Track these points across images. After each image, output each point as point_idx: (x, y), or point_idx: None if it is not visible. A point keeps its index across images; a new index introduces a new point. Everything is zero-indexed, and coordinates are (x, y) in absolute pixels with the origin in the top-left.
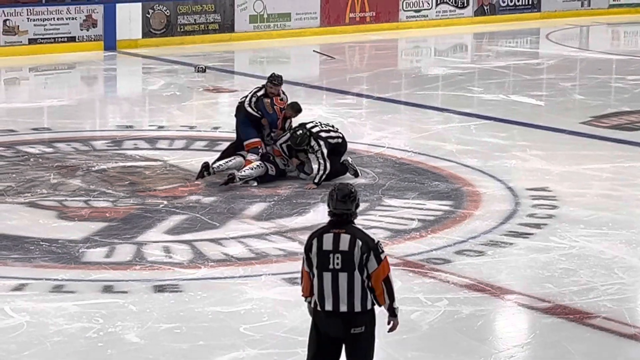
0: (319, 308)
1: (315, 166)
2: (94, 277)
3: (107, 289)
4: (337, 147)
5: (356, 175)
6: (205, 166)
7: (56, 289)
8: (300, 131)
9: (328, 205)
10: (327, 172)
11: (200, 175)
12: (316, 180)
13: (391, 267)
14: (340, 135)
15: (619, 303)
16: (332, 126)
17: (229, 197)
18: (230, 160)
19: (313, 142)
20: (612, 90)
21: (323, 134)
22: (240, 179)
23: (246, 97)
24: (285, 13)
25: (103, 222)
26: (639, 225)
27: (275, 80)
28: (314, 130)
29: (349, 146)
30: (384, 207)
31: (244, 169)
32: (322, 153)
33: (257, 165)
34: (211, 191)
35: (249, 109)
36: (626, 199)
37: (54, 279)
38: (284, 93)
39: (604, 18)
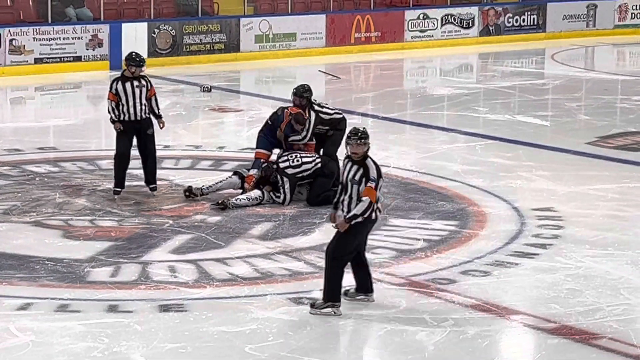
0: None
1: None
2: (99, 297)
3: (113, 309)
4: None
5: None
6: (188, 189)
7: (61, 309)
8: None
9: None
10: (285, 202)
11: (188, 196)
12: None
13: (397, 288)
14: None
15: (625, 324)
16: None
17: (234, 216)
18: (221, 181)
19: (278, 177)
20: (618, 111)
21: (289, 170)
22: (233, 206)
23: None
24: (291, 33)
25: (108, 241)
26: None
27: (296, 91)
28: (281, 165)
29: None
30: (390, 227)
31: (240, 197)
32: (284, 188)
33: (255, 197)
34: (217, 211)
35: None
36: (632, 219)
37: (59, 299)
38: (310, 110)
39: (609, 38)
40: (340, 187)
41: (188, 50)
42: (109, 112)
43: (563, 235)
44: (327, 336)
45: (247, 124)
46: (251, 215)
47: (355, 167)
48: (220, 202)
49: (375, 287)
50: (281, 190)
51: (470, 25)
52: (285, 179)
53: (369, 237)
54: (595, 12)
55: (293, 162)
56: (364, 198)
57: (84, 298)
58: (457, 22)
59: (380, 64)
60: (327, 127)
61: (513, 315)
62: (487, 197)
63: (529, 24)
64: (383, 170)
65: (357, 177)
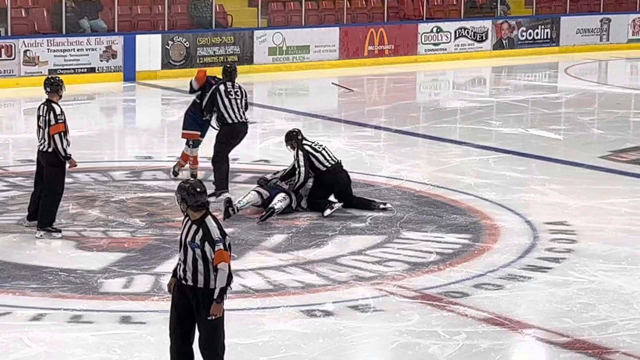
0: None
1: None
2: (112, 308)
3: (125, 320)
4: (329, 177)
5: (384, 209)
6: (228, 201)
7: (74, 319)
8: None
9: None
10: (300, 182)
11: (227, 215)
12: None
13: (410, 300)
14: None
15: (638, 338)
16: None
17: (247, 228)
18: (248, 194)
19: (299, 152)
20: (631, 125)
21: (307, 147)
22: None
23: None
24: (304, 45)
25: (121, 252)
26: None
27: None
28: (304, 142)
29: (368, 179)
30: (402, 239)
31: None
32: (300, 163)
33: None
34: (229, 222)
35: None
36: None
37: (72, 309)
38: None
39: (623, 52)
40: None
41: (202, 62)
42: (64, 147)
43: (576, 249)
44: (339, 348)
45: (260, 136)
46: (264, 227)
47: (193, 228)
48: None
49: (388, 300)
50: (298, 165)
51: (484, 38)
52: (301, 154)
53: (382, 249)
54: (609, 26)
55: (315, 147)
56: (219, 266)
57: (97, 309)
58: (470, 36)
59: (394, 76)
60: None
61: (526, 329)
62: (500, 210)
63: (542, 37)
64: (395, 183)
65: (196, 240)
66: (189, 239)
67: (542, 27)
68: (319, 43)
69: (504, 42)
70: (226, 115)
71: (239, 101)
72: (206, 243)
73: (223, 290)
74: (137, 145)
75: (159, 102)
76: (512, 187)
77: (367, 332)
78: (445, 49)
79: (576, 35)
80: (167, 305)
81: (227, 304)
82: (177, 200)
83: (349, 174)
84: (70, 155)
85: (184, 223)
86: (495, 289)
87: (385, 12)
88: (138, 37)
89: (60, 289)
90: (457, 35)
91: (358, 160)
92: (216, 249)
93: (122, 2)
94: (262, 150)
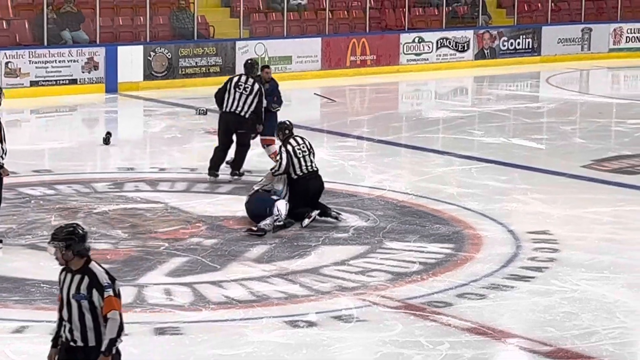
0: None
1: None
2: None
3: None
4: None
5: (337, 218)
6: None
7: None
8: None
9: None
10: (278, 170)
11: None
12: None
13: (393, 310)
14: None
15: (620, 347)
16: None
17: (230, 239)
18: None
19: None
20: (613, 134)
21: (290, 147)
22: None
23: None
24: (287, 56)
25: (104, 264)
26: None
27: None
28: (290, 141)
29: (350, 189)
30: (385, 249)
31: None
32: (281, 156)
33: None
34: (212, 233)
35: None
36: (627, 242)
37: (55, 321)
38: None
39: (604, 62)
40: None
41: (184, 73)
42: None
43: (559, 259)
44: (323, 359)
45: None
46: (246, 238)
47: (77, 278)
48: (256, 228)
49: (371, 310)
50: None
51: (466, 48)
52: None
53: (365, 259)
54: (590, 35)
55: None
56: (109, 315)
57: None
58: (452, 46)
59: (376, 87)
60: None
61: (509, 339)
62: (482, 220)
63: (524, 47)
64: (378, 193)
65: (82, 291)
66: (72, 291)
67: (524, 36)
68: (301, 54)
69: (485, 52)
70: (224, 104)
71: (243, 95)
72: (94, 291)
73: (112, 342)
74: (120, 157)
75: (141, 113)
76: (494, 196)
77: (351, 342)
78: (427, 59)
79: (557, 44)
80: (150, 316)
81: (210, 315)
82: (59, 249)
83: (331, 183)
84: (2, 164)
85: (62, 277)
86: (478, 298)
87: (367, 22)
88: (120, 48)
89: (43, 301)
90: (439, 46)
91: (341, 170)
92: (105, 296)
93: (104, 14)
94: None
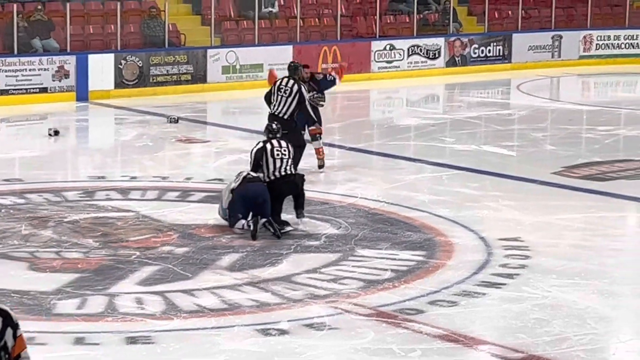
0: None
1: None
2: (65, 329)
3: (79, 341)
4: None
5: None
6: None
7: (28, 341)
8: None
9: None
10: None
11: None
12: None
13: (365, 318)
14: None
15: (592, 353)
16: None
17: (201, 247)
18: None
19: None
20: (583, 141)
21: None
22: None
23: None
24: (258, 64)
25: (75, 273)
26: (611, 276)
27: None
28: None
29: (322, 197)
30: (357, 257)
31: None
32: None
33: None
34: (184, 242)
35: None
36: (598, 249)
37: (26, 331)
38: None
39: (575, 69)
40: None
41: (155, 81)
42: None
43: (530, 265)
44: None
45: (214, 155)
46: (218, 246)
47: None
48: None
49: (343, 318)
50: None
51: (437, 56)
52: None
53: (336, 267)
54: (561, 42)
55: None
56: (23, 354)
57: (51, 330)
58: (423, 53)
59: (347, 94)
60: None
61: (481, 345)
62: (454, 227)
63: (494, 54)
64: (350, 201)
65: None
66: None
67: (494, 44)
68: (272, 61)
69: (456, 59)
70: (270, 107)
71: (284, 98)
72: (8, 329)
73: None
74: (90, 166)
75: (112, 121)
76: (465, 203)
77: (323, 350)
78: (399, 67)
79: (528, 52)
80: (121, 325)
81: (182, 323)
82: None
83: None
84: None
85: None
86: (450, 305)
87: (339, 30)
88: (90, 56)
89: (13, 310)
90: (410, 53)
91: (312, 177)
92: (18, 334)
93: (75, 22)
94: (216, 169)
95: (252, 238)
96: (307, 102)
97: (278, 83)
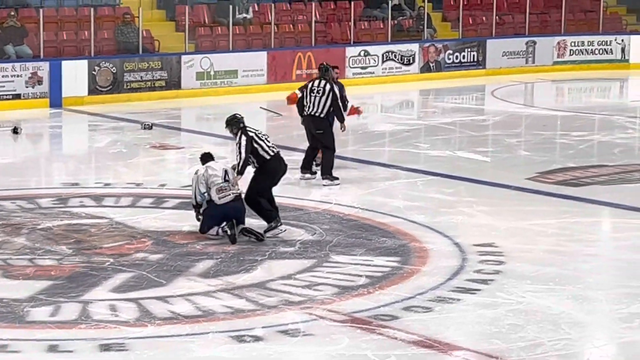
0: None
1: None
2: (39, 337)
3: (53, 349)
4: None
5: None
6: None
7: (1, 349)
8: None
9: None
10: (239, 164)
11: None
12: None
13: (339, 324)
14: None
15: (566, 359)
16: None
17: (175, 254)
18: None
19: (242, 137)
20: (557, 147)
21: (251, 134)
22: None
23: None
24: (232, 70)
25: (48, 280)
26: (585, 281)
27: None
28: (248, 128)
29: (297, 203)
30: (332, 263)
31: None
32: (241, 145)
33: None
34: (158, 249)
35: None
36: (572, 254)
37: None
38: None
39: (549, 75)
40: None
41: (129, 87)
42: None
43: (504, 271)
44: None
45: (188, 161)
46: (192, 253)
47: None
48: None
49: (317, 324)
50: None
51: (411, 62)
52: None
53: (311, 273)
54: (535, 48)
55: (260, 136)
56: None
57: (24, 338)
58: (397, 59)
59: None
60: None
61: (455, 351)
62: (428, 233)
63: (469, 60)
64: (325, 207)
65: None
66: None
67: (469, 50)
68: (246, 67)
69: (431, 65)
70: (304, 110)
71: (317, 98)
72: None
73: None
74: (64, 172)
75: (86, 128)
76: (440, 209)
77: (297, 356)
78: (373, 73)
79: (502, 57)
80: (95, 333)
81: (156, 330)
82: None
83: (278, 197)
84: None
85: None
86: (425, 311)
87: (313, 36)
88: (64, 63)
89: None
90: (385, 59)
91: (287, 184)
92: None
93: (48, 28)
94: (190, 175)
95: (232, 242)
96: (338, 101)
97: (310, 85)
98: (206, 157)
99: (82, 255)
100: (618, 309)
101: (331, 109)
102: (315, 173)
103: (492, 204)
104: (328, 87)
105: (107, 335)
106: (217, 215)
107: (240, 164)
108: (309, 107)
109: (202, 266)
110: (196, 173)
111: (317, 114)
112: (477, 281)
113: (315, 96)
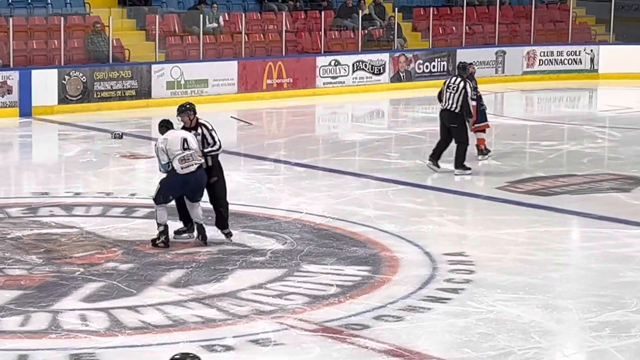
0: None
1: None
2: (8, 347)
3: (22, 358)
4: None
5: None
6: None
7: None
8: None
9: None
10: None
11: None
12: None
13: (310, 334)
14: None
15: None
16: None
17: (146, 264)
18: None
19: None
20: (527, 156)
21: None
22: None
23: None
24: (203, 79)
25: (18, 290)
26: (555, 290)
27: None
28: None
29: (267, 212)
30: (302, 272)
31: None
32: (212, 133)
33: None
34: (128, 258)
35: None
36: (541, 263)
37: None
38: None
39: (518, 84)
40: None
41: (99, 96)
42: None
43: (474, 280)
44: None
45: (159, 171)
46: (163, 262)
47: None
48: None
49: (288, 334)
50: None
51: (382, 71)
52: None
53: (282, 282)
54: (504, 58)
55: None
56: None
57: None
58: (368, 69)
59: (292, 109)
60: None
61: None
62: (399, 242)
63: (439, 70)
64: (296, 216)
65: None
66: None
67: (439, 59)
68: (217, 77)
69: (401, 74)
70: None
71: (452, 94)
72: None
73: None
74: (34, 181)
75: (56, 137)
76: (411, 218)
77: None
78: (344, 82)
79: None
80: (65, 342)
81: (126, 340)
82: None
83: (248, 207)
84: None
85: None
86: (396, 320)
87: (284, 45)
88: (34, 72)
89: None
90: (355, 69)
91: (257, 193)
92: None
93: (17, 37)
94: None
95: (205, 242)
96: (468, 99)
97: (447, 82)
98: (164, 125)
99: (52, 265)
100: (588, 318)
101: (465, 104)
102: (439, 167)
103: (462, 213)
104: (462, 85)
105: (78, 345)
106: (176, 186)
107: (215, 152)
108: (445, 101)
109: (173, 276)
110: (156, 144)
111: (452, 109)
112: (447, 290)
113: (451, 92)
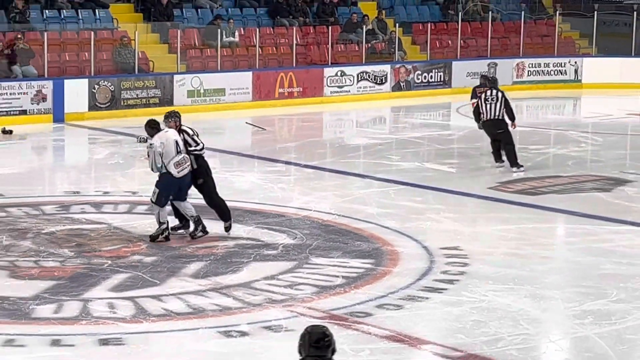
0: None
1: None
2: (43, 332)
3: (55, 343)
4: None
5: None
6: None
7: (8, 343)
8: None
9: (300, 352)
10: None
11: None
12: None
13: (318, 321)
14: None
15: (524, 352)
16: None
17: (169, 256)
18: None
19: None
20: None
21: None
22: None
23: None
24: (220, 88)
25: (52, 280)
26: (542, 281)
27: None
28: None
29: (279, 210)
30: (311, 265)
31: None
32: (195, 137)
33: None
34: (152, 251)
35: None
36: (530, 257)
37: (6, 334)
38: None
39: (508, 93)
40: None
41: (126, 104)
42: None
43: (468, 272)
44: None
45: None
46: (184, 255)
47: None
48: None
49: (298, 321)
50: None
51: (384, 81)
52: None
53: (292, 274)
54: (496, 69)
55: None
56: None
57: (29, 333)
58: (371, 79)
59: (302, 116)
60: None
61: (424, 345)
62: (399, 237)
63: (436, 80)
64: (305, 213)
65: None
66: None
67: (436, 70)
68: (233, 86)
69: (401, 84)
70: (481, 117)
71: (493, 104)
72: None
73: None
74: (66, 182)
75: (86, 141)
76: (410, 215)
77: (280, 350)
78: (349, 91)
79: (466, 77)
80: (94, 328)
81: (150, 326)
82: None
83: (261, 205)
84: None
85: None
86: (396, 308)
87: (294, 57)
88: (66, 81)
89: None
90: (359, 79)
91: (270, 192)
92: None
93: (52, 50)
94: None
95: (205, 232)
96: (510, 104)
97: (483, 96)
98: (154, 126)
99: (83, 258)
100: (572, 307)
101: (505, 110)
102: (504, 161)
103: (458, 211)
104: (500, 94)
105: (106, 331)
106: (173, 187)
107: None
108: (486, 113)
109: (193, 267)
110: (151, 147)
111: (497, 117)
112: (443, 281)
113: (491, 103)
